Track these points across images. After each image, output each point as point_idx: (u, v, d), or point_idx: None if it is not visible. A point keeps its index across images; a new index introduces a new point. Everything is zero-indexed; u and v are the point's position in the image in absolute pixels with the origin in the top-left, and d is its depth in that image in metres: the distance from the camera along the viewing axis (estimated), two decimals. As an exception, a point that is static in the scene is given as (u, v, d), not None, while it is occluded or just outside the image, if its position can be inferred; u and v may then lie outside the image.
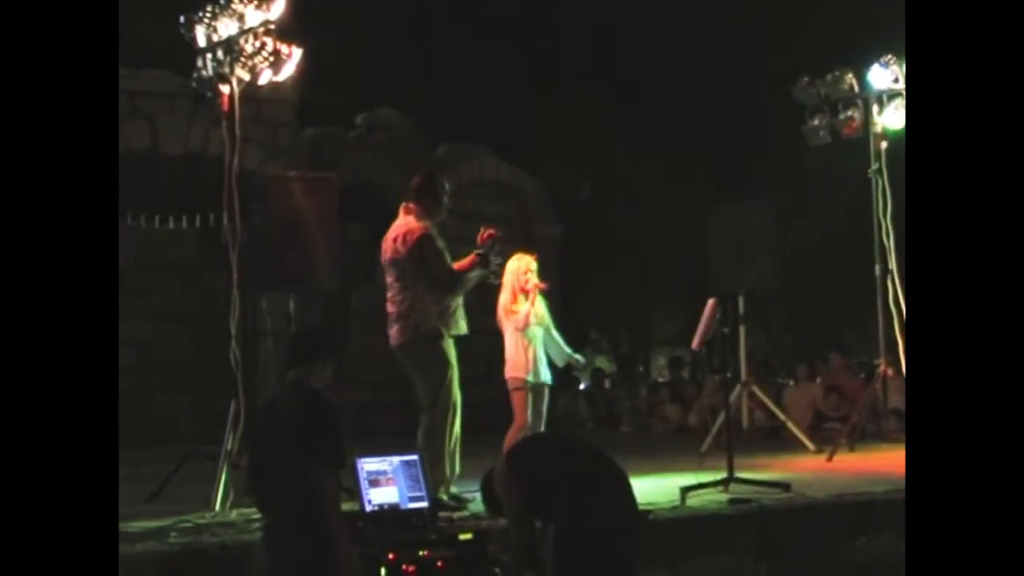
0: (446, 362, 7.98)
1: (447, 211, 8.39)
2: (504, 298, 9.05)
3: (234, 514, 7.56)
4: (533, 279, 9.07)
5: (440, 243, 8.10)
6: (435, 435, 7.90)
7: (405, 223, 8.10)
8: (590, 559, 5.88)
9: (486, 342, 8.97)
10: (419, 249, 7.94)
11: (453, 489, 7.96)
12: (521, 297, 9.03)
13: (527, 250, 9.48)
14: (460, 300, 8.23)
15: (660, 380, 18.23)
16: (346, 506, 6.90)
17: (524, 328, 8.94)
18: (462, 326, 8.21)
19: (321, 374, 6.02)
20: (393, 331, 8.07)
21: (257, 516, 7.11)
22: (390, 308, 8.11)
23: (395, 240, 8.05)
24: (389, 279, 8.14)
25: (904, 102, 11.03)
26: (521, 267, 9.14)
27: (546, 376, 9.04)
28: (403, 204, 8.23)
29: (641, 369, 24.24)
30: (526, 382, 8.94)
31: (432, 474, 7.48)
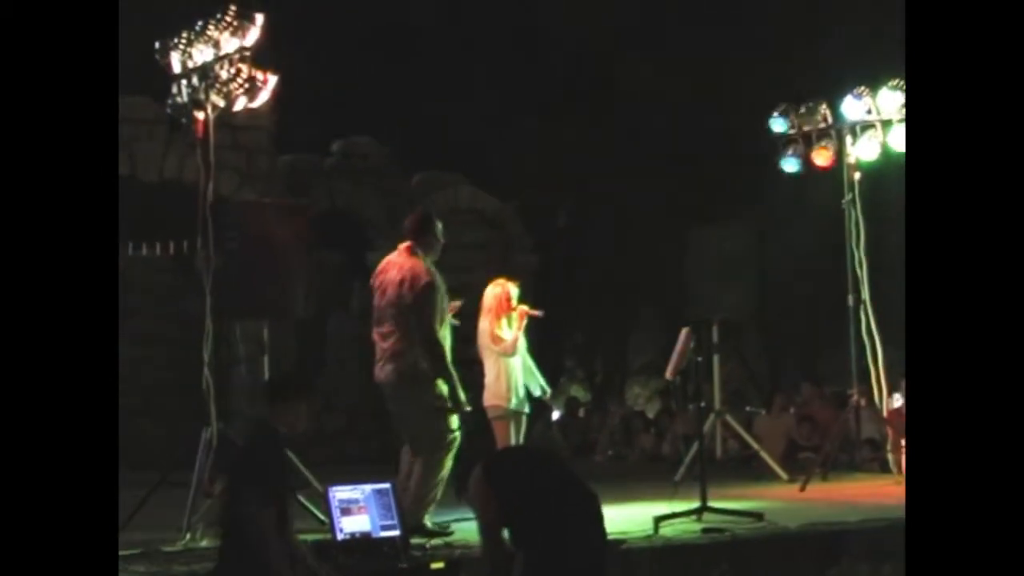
0: (440, 400, 7.88)
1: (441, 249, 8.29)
2: (485, 324, 9.05)
3: (204, 542, 7.52)
4: (520, 306, 9.10)
5: (441, 290, 8.00)
6: (434, 467, 7.83)
7: (411, 266, 7.96)
8: None
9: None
10: (421, 299, 7.83)
11: (433, 517, 7.92)
12: (505, 323, 9.05)
13: (507, 276, 9.52)
14: (447, 332, 8.13)
15: (636, 409, 18.19)
16: (319, 535, 6.93)
17: (512, 354, 8.98)
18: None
19: (291, 418, 6.12)
20: (386, 369, 7.95)
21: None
22: (382, 344, 7.98)
23: (402, 283, 7.90)
24: (387, 316, 7.98)
25: (877, 133, 11.12)
26: (501, 293, 9.15)
27: (525, 404, 9.07)
28: (404, 244, 8.11)
29: (620, 398, 24.22)
30: (507, 410, 8.97)
31: (419, 505, 7.47)
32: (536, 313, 9.27)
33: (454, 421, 7.91)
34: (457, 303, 8.42)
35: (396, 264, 8.06)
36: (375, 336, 8.07)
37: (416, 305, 7.83)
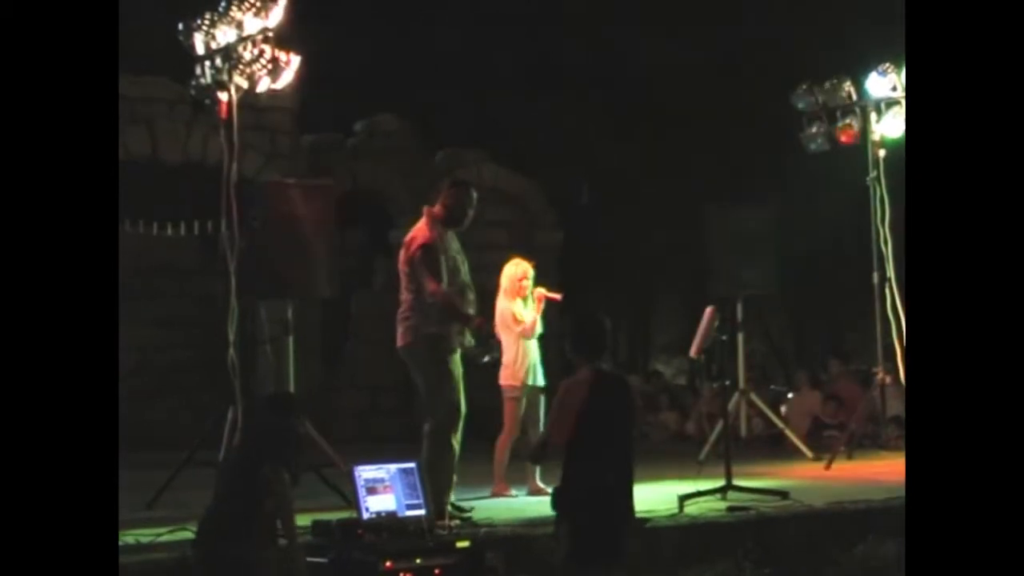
0: (446, 366, 7.89)
1: (470, 221, 8.28)
2: (505, 304, 9.04)
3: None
4: (538, 288, 9.08)
5: (452, 253, 8.02)
6: (438, 441, 7.82)
7: (416, 228, 8.05)
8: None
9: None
10: (415, 258, 7.88)
11: (452, 498, 7.93)
12: (521, 303, 9.05)
13: (525, 256, 9.50)
14: (471, 309, 8.16)
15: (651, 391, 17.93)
16: (344, 514, 6.95)
17: (531, 337, 8.98)
18: (467, 339, 8.15)
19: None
20: (398, 332, 8.02)
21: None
22: (399, 308, 8.06)
23: (406, 245, 8.01)
24: (399, 280, 8.10)
25: (902, 110, 11.03)
26: (517, 273, 9.14)
27: (540, 380, 9.07)
28: (426, 207, 8.16)
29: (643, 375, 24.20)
30: (522, 389, 8.98)
31: (434, 481, 7.47)
32: (555, 297, 9.24)
33: (460, 391, 7.90)
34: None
35: (412, 229, 8.13)
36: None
37: (409, 268, 7.90)
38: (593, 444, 6.11)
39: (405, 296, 8.00)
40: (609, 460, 6.17)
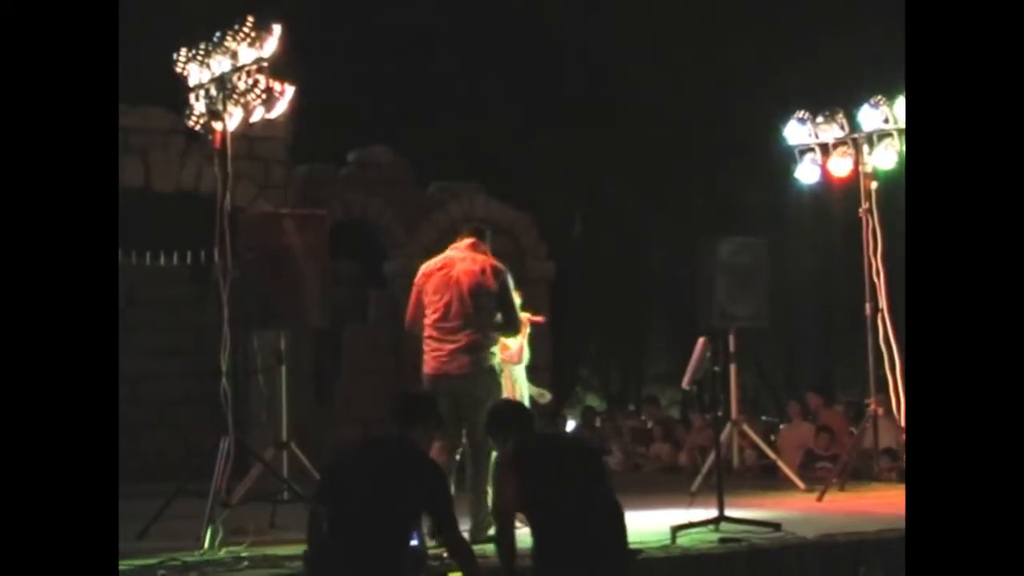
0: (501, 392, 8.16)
1: None
2: None
3: (223, 552, 7.53)
4: (522, 313, 9.09)
5: None
6: (484, 466, 7.86)
7: (485, 258, 8.11)
8: None
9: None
10: (507, 288, 8.09)
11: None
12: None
13: (516, 287, 9.50)
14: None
15: (648, 425, 17.98)
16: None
17: (518, 362, 8.97)
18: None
19: (421, 440, 6.23)
20: (462, 361, 7.93)
21: (245, 554, 7.14)
22: (451, 337, 7.97)
23: (483, 272, 8.00)
24: (463, 308, 7.98)
25: (893, 142, 11.07)
26: None
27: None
28: (466, 242, 8.20)
29: (632, 407, 24.22)
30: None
31: (479, 507, 7.66)
32: (538, 320, 9.24)
33: None
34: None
35: (465, 258, 8.10)
36: (434, 332, 8.03)
37: (501, 292, 8.02)
38: (550, 515, 6.05)
39: (474, 322, 7.95)
40: (578, 523, 6.01)
